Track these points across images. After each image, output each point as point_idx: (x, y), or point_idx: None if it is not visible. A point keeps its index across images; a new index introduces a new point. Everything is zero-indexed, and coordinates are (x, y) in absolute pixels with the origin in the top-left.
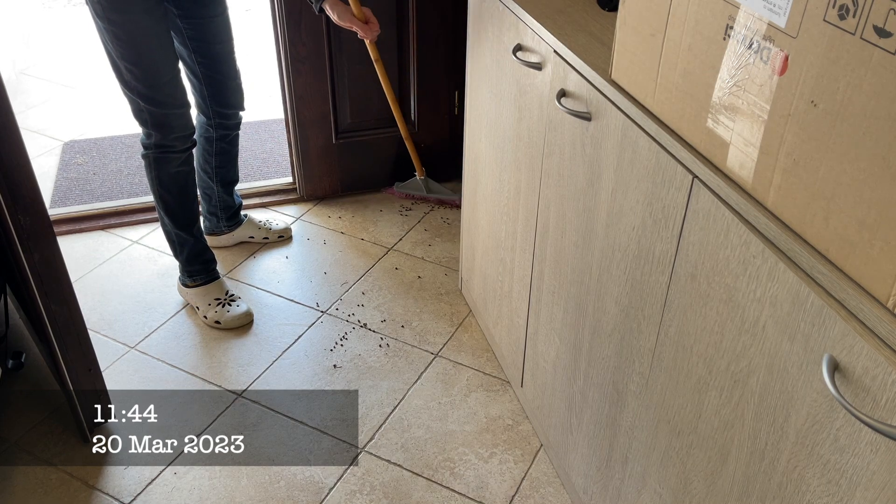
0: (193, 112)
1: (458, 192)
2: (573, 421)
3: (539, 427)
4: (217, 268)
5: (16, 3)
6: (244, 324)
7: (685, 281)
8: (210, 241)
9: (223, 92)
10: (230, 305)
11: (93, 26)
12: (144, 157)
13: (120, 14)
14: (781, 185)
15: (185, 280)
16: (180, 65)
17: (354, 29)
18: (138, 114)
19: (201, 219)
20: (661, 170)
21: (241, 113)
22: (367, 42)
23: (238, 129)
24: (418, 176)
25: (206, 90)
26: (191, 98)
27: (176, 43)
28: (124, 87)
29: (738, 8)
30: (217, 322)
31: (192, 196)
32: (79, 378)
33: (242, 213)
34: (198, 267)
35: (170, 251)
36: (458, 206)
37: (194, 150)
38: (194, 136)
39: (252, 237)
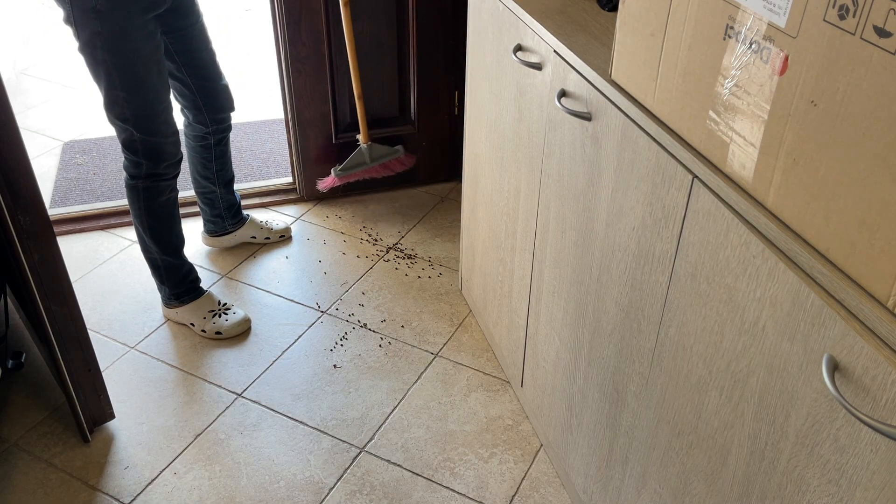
0: (184, 125)
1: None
2: (573, 421)
3: (539, 427)
4: (201, 283)
5: (16, 3)
6: (245, 329)
7: (685, 281)
8: (212, 242)
9: (216, 97)
10: (227, 314)
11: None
12: (132, 187)
13: (123, 43)
14: (781, 184)
15: (170, 302)
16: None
17: None
18: (129, 143)
19: (204, 223)
20: (661, 170)
21: (232, 114)
22: None
23: (231, 129)
24: (362, 142)
25: (199, 100)
26: (181, 115)
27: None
28: (117, 118)
29: (738, 8)
30: (218, 333)
31: (179, 220)
32: (79, 378)
33: (244, 212)
34: (185, 288)
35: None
36: (405, 165)
37: (192, 159)
38: (181, 160)
39: (254, 237)
